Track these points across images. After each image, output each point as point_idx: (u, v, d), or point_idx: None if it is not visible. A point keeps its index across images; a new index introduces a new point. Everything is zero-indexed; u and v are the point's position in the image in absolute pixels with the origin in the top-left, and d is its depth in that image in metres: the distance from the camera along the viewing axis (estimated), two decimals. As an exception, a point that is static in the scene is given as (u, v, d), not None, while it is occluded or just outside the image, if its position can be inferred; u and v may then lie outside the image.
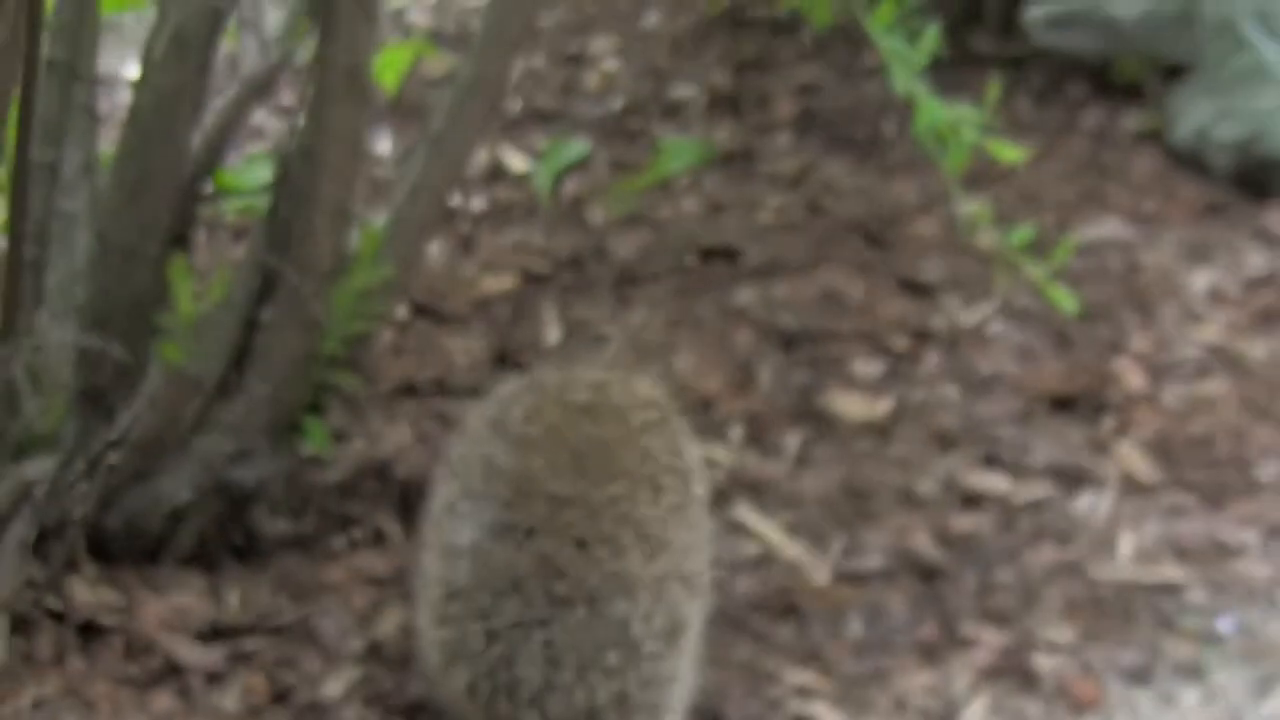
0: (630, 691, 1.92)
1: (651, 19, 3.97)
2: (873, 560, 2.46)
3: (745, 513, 2.56)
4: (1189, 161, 3.43)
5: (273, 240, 2.41)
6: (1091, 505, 2.58)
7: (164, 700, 2.25)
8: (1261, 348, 2.92)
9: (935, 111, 2.40)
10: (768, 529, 2.53)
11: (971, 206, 2.62)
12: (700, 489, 2.10)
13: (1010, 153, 2.59)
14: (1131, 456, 2.65)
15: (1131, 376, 2.81)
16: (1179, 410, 2.76)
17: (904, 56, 2.42)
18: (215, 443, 2.43)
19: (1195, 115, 3.39)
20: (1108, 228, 3.23)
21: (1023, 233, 2.56)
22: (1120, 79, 3.63)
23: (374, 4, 2.34)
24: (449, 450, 2.18)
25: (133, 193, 2.38)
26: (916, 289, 3.05)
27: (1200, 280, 3.08)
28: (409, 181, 2.52)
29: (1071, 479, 2.62)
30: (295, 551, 2.52)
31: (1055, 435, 2.70)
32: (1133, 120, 3.57)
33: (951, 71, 3.75)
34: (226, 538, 2.48)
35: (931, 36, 2.49)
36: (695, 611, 2.02)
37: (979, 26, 3.86)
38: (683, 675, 2.02)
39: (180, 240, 2.63)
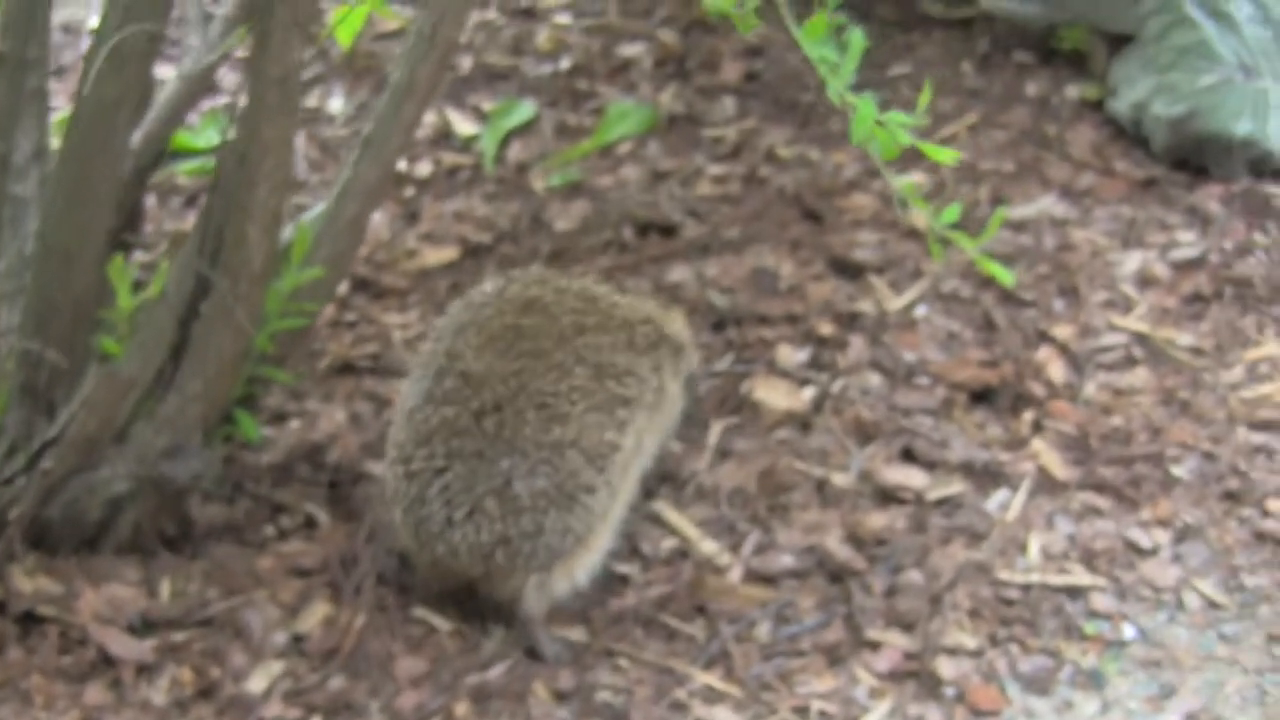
0: (512, 536, 2.33)
1: (606, -29, 3.97)
2: (784, 559, 2.52)
3: (664, 506, 2.62)
4: (1129, 133, 3.45)
5: (205, 244, 2.46)
6: (1004, 503, 2.63)
7: (96, 693, 2.33)
8: (1188, 335, 2.95)
9: (870, 116, 2.41)
10: (684, 523, 2.59)
11: (905, 183, 2.62)
12: (650, 397, 2.46)
13: (943, 155, 2.61)
14: (1048, 453, 2.70)
15: (1053, 367, 2.86)
16: (1099, 403, 2.80)
17: (834, 65, 2.44)
18: (151, 436, 2.49)
19: (1135, 89, 3.41)
20: (1043, 204, 3.26)
21: (951, 210, 2.57)
22: (1065, 46, 3.65)
23: (308, 17, 2.36)
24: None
25: (72, 198, 2.42)
26: (848, 269, 3.08)
27: (1130, 262, 3.11)
28: (341, 182, 2.56)
29: (986, 476, 2.67)
30: (228, 539, 2.59)
31: (973, 429, 2.75)
32: (1076, 89, 3.59)
33: (900, 33, 3.81)
34: (161, 528, 2.54)
35: (858, 41, 2.50)
36: (601, 484, 2.36)
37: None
38: (582, 536, 2.37)
39: (122, 238, 2.71)
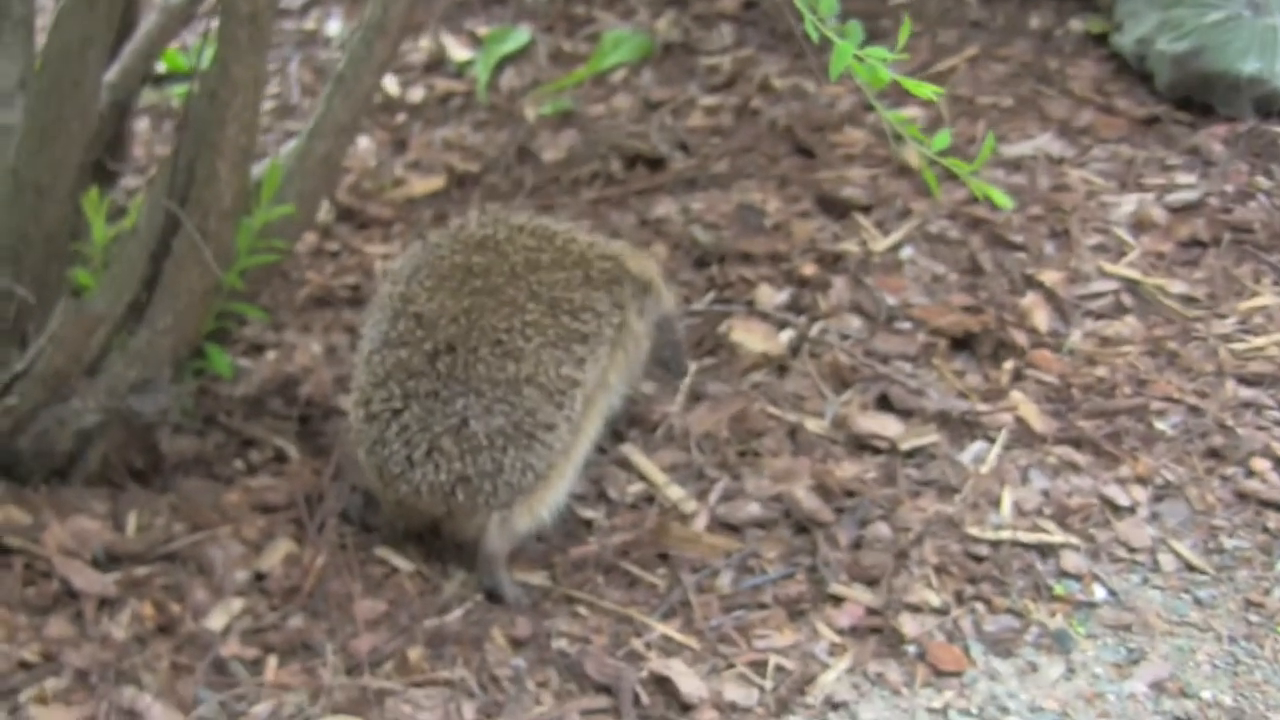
0: (471, 475, 2.32)
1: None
2: (751, 507, 2.48)
3: (632, 450, 2.59)
4: (1132, 69, 3.38)
5: (176, 181, 2.43)
6: (979, 456, 2.58)
7: (58, 626, 2.31)
8: (1181, 283, 2.90)
9: (848, 54, 2.36)
10: (651, 468, 2.56)
11: (898, 115, 2.55)
12: (611, 333, 2.42)
13: (924, 90, 2.54)
14: (1026, 405, 2.65)
15: (1039, 314, 2.80)
16: (1084, 353, 2.75)
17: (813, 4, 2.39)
18: (121, 370, 2.47)
19: (1141, 23, 3.34)
20: (1040, 141, 3.20)
21: (941, 137, 2.50)
22: (1073, -26, 3.57)
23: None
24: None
25: (44, 134, 2.39)
26: (835, 207, 3.03)
27: (1127, 205, 3.05)
28: (314, 119, 2.53)
29: (962, 426, 2.62)
30: (197, 473, 2.58)
31: (952, 377, 2.70)
32: (1080, 22, 3.52)
33: (908, -41, 3.72)
34: (129, 461, 2.53)
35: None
36: (561, 420, 2.34)
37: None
38: (543, 473, 2.35)
39: (106, 167, 2.68)
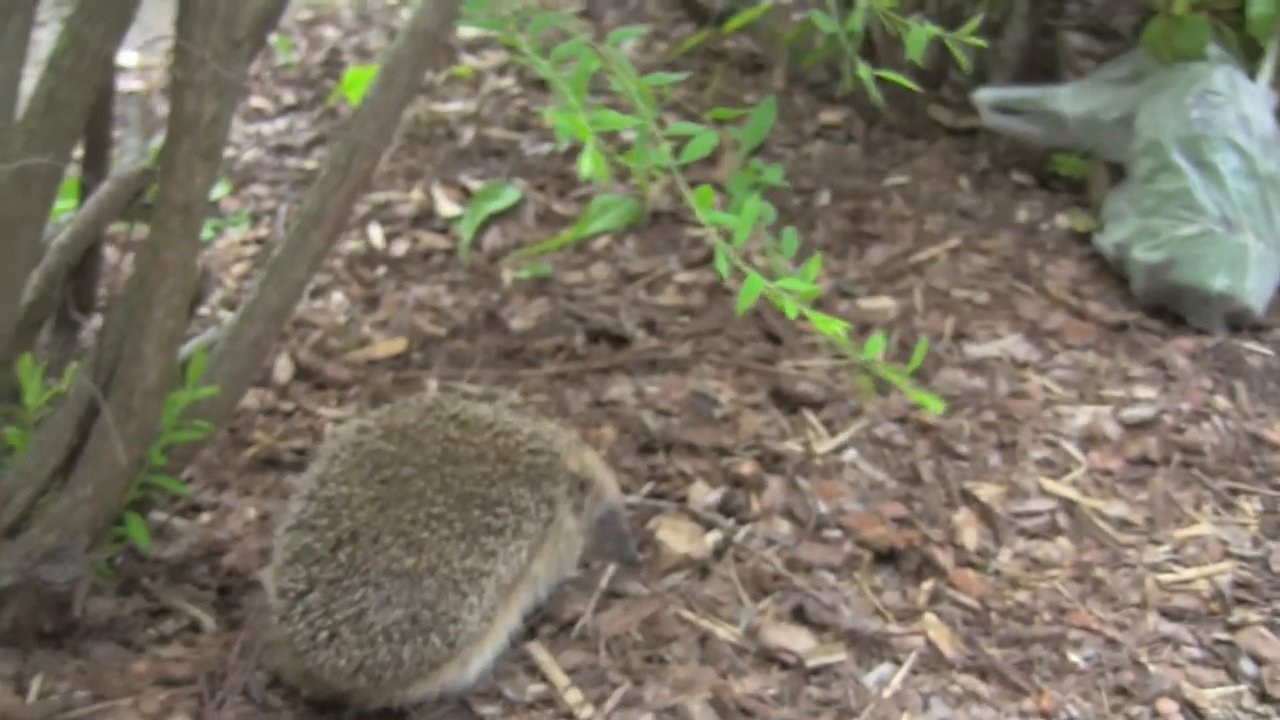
0: (369, 665, 2.35)
1: (627, 46, 3.94)
2: (645, 719, 2.48)
3: (538, 648, 2.60)
4: (1112, 270, 3.37)
5: (105, 358, 2.49)
6: (884, 679, 2.56)
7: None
8: (1120, 504, 2.88)
9: (756, 289, 2.37)
10: (554, 669, 2.57)
11: (839, 324, 2.54)
12: (533, 528, 2.45)
13: (831, 326, 2.52)
14: (939, 628, 2.63)
15: (969, 531, 2.79)
16: (1009, 574, 2.74)
17: (730, 230, 2.41)
18: (39, 534, 2.53)
19: (1122, 227, 3.33)
20: (1006, 343, 3.19)
21: (874, 344, 2.50)
22: (1063, 171, 3.57)
23: (213, 148, 2.38)
24: None
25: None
26: (788, 401, 3.04)
27: (1080, 417, 3.03)
28: (245, 304, 2.59)
29: (872, 646, 2.61)
30: (112, 637, 2.62)
31: (870, 593, 2.70)
32: (1067, 218, 3.51)
33: (904, 139, 3.74)
34: (39, 624, 2.58)
35: (751, 209, 2.46)
36: (465, 611, 2.36)
37: (938, 97, 3.80)
38: (439, 664, 2.38)
39: (65, 322, 2.76)
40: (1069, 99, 3.45)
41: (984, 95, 3.57)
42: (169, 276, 2.43)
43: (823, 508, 2.83)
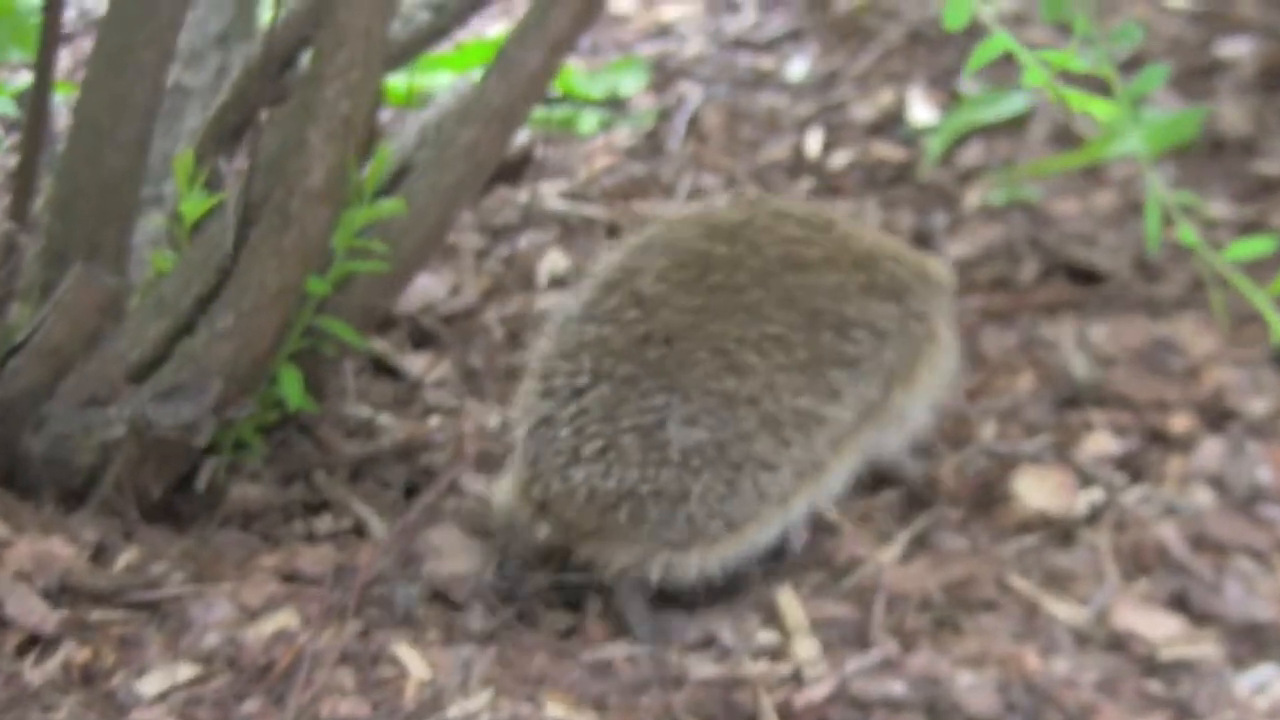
0: (644, 493, 1.77)
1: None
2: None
3: (787, 593, 1.85)
4: None
5: (259, 162, 1.96)
6: (1262, 683, 1.74)
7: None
8: None
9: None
10: (795, 612, 1.84)
11: None
12: (890, 355, 1.89)
13: None
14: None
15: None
16: None
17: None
18: (168, 376, 1.96)
19: None
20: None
21: None
22: None
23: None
24: None
25: (111, 63, 1.95)
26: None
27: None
28: (463, 101, 2.00)
29: (1257, 642, 1.79)
30: (248, 528, 2.01)
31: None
32: None
33: None
34: (145, 486, 1.97)
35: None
36: (786, 463, 1.79)
37: None
38: (738, 523, 1.79)
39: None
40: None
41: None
42: (345, 45, 1.86)
43: (1266, 477, 2.02)
